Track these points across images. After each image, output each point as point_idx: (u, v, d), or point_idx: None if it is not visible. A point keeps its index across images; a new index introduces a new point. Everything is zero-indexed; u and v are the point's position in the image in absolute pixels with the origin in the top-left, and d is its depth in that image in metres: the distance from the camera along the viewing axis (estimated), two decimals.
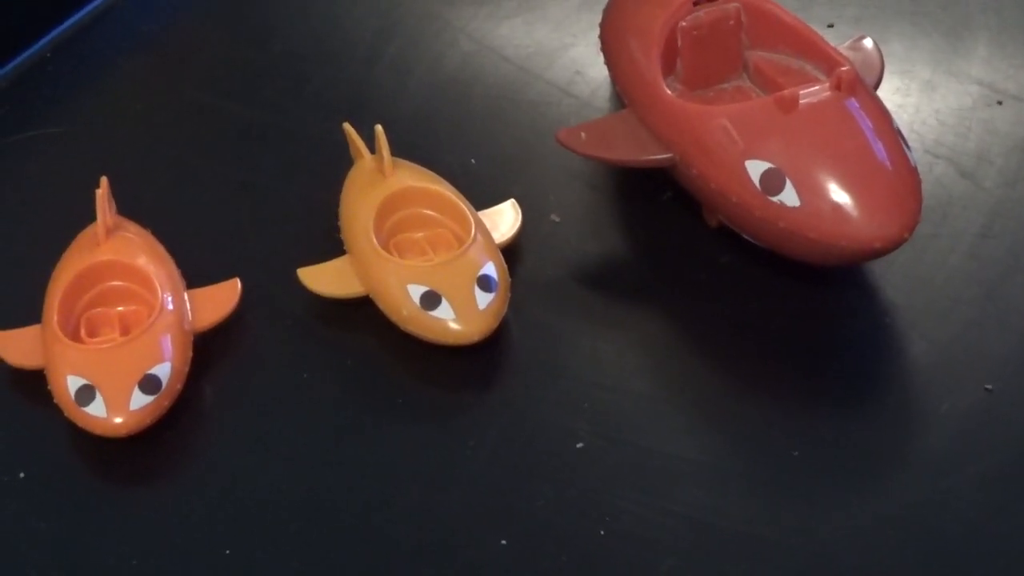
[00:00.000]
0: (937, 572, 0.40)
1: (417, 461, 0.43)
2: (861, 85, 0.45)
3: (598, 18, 0.54)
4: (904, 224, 0.42)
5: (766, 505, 0.41)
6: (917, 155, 0.50)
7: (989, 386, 0.43)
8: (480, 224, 0.46)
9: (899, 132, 0.45)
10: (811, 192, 0.42)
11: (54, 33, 0.60)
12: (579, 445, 0.43)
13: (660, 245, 0.49)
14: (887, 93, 0.53)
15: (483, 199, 0.49)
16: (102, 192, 0.47)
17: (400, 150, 0.49)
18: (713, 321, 0.46)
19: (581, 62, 0.57)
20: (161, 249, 0.47)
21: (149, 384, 0.42)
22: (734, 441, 0.43)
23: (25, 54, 0.59)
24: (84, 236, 0.47)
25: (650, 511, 0.41)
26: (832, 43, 0.48)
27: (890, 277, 0.47)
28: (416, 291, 0.44)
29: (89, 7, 0.61)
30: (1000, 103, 0.53)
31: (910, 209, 0.43)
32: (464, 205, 0.47)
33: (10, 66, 0.59)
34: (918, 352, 0.45)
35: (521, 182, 0.51)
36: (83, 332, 0.44)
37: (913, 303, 0.46)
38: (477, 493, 0.42)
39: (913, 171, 0.44)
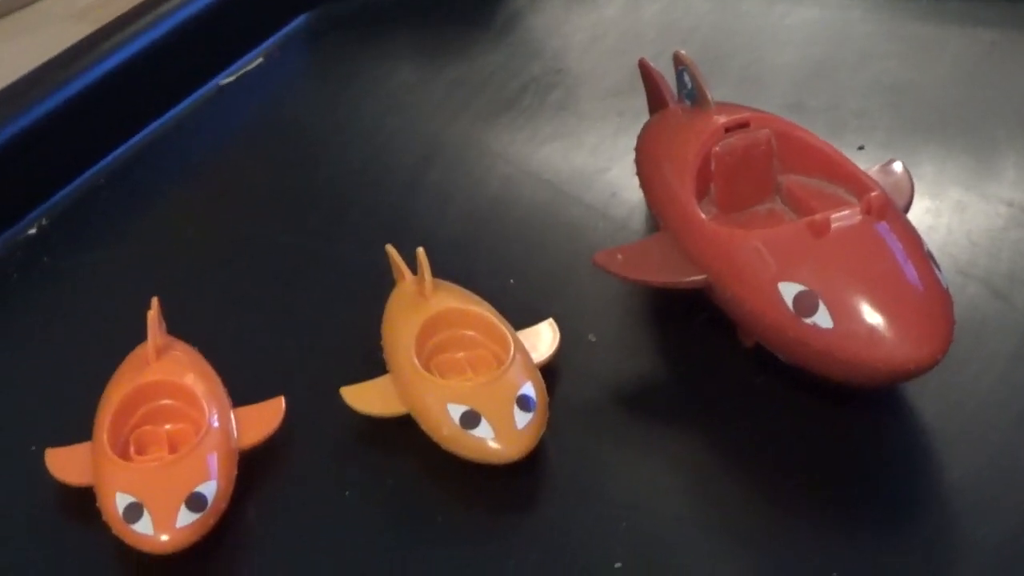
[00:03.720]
0: None
1: None
2: (891, 209, 0.46)
3: (633, 143, 0.56)
4: (937, 346, 0.43)
5: None
6: (950, 276, 0.51)
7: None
8: (519, 344, 0.47)
9: (930, 255, 0.45)
10: (844, 314, 0.43)
11: (106, 161, 0.63)
12: (617, 565, 0.43)
13: (696, 366, 0.50)
14: (919, 214, 0.54)
15: (522, 319, 0.50)
16: (153, 313, 0.48)
17: (441, 271, 0.50)
18: (748, 442, 0.47)
19: (617, 185, 0.58)
20: (208, 368, 0.48)
21: (195, 502, 0.42)
22: (769, 564, 0.43)
23: (79, 181, 0.62)
24: (135, 355, 0.48)
25: None
26: (863, 165, 0.49)
27: (924, 400, 0.47)
28: (456, 411, 0.45)
29: (138, 137, 0.64)
30: None
31: (942, 331, 0.43)
32: (503, 326, 0.48)
33: (65, 191, 0.61)
34: (953, 477, 0.45)
35: (559, 302, 0.52)
36: (132, 450, 0.45)
37: (947, 426, 0.46)
38: None
39: (945, 293, 0.44)
